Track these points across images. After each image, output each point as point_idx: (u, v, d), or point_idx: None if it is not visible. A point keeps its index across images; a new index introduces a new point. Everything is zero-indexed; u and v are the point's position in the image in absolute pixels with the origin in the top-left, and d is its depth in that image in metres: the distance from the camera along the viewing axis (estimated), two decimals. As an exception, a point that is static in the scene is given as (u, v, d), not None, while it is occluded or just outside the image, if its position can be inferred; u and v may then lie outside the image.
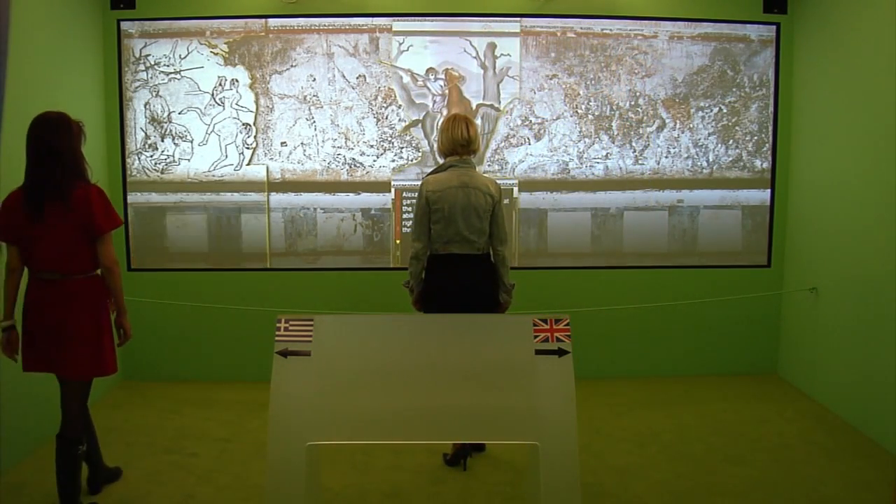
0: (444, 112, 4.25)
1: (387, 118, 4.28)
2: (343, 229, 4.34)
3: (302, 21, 4.20)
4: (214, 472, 3.11)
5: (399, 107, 4.28)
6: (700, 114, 4.35)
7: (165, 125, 4.23)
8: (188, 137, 4.24)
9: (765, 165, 4.41)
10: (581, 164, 4.35)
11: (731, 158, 4.40)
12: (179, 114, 4.22)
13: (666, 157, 4.37)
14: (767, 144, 4.40)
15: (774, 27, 4.32)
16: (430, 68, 4.26)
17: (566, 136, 4.33)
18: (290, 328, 2.31)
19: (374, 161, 4.30)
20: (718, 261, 4.46)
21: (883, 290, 3.44)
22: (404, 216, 4.32)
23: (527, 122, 4.32)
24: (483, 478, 3.07)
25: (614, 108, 4.33)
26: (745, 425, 3.67)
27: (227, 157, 4.27)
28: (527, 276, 4.13)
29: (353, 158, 4.29)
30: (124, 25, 4.18)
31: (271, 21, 4.20)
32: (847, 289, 3.78)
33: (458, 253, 2.99)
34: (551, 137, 4.33)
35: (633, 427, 3.64)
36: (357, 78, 4.24)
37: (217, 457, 3.27)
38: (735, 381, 4.38)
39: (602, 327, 4.39)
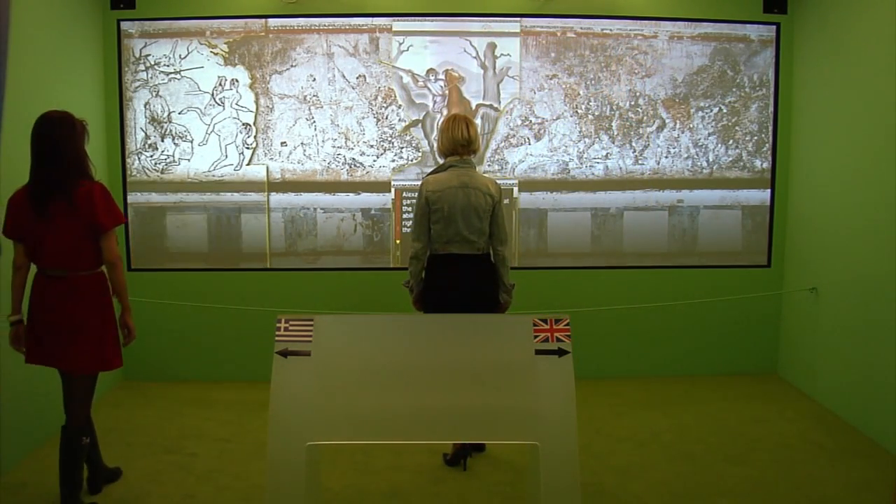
0: (444, 112, 4.25)
1: (387, 118, 4.28)
2: (343, 229, 4.34)
3: (302, 21, 4.20)
4: (214, 472, 3.11)
5: (399, 107, 4.28)
6: (700, 114, 4.35)
7: (165, 125, 4.23)
8: (188, 137, 4.24)
9: (765, 165, 4.41)
10: (581, 164, 4.35)
11: (731, 158, 4.40)
12: (179, 114, 4.23)
13: (666, 157, 4.37)
14: (767, 144, 4.40)
15: (774, 27, 4.32)
16: (431, 69, 4.26)
17: (566, 136, 4.33)
18: (290, 328, 2.31)
19: (374, 161, 4.30)
20: (718, 261, 4.46)
21: (883, 290, 3.44)
22: (404, 216, 4.32)
23: (527, 122, 4.32)
24: (483, 478, 3.07)
25: (614, 108, 4.33)
26: (745, 425, 3.67)
27: (227, 157, 4.27)
28: (527, 276, 4.13)
29: (353, 158, 4.29)
30: (124, 25, 4.18)
31: (271, 21, 4.20)
32: (847, 289, 3.78)
33: (457, 253, 2.99)
34: (551, 137, 4.33)
35: (633, 427, 3.64)
36: (357, 78, 4.25)
37: (217, 457, 3.27)
38: (735, 381, 4.38)
39: (602, 327, 4.39)
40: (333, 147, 4.28)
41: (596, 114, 4.33)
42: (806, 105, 4.23)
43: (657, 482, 3.03)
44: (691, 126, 4.36)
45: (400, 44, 4.24)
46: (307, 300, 4.31)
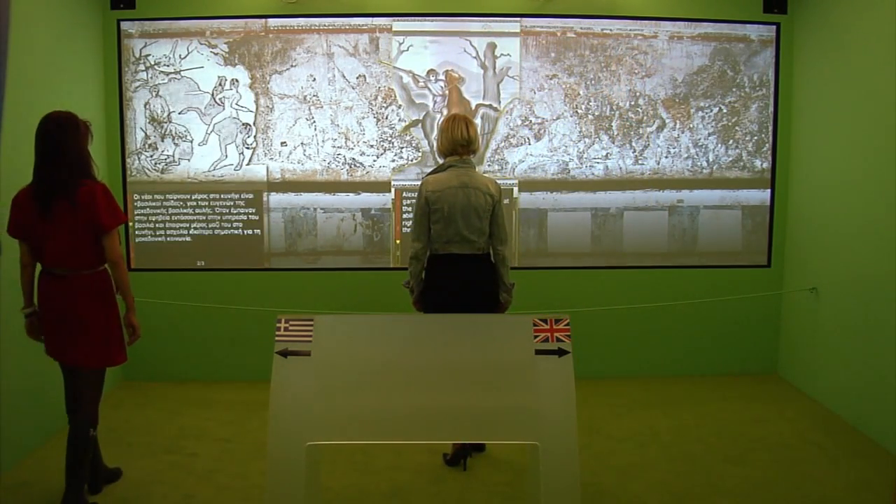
0: (445, 112, 4.25)
1: (387, 118, 4.28)
2: (343, 229, 4.34)
3: (302, 21, 4.20)
4: (214, 472, 3.11)
5: (399, 107, 4.28)
6: (700, 114, 4.35)
7: (165, 125, 4.23)
8: (188, 137, 4.24)
9: (765, 165, 4.41)
10: (581, 164, 4.35)
11: (731, 158, 4.40)
12: (179, 114, 4.23)
13: (666, 157, 4.37)
14: (767, 144, 4.40)
15: (774, 27, 4.32)
16: (431, 69, 4.26)
17: (566, 136, 4.33)
18: (290, 328, 2.31)
19: (374, 161, 4.30)
20: (718, 261, 4.46)
21: (883, 290, 3.44)
22: (404, 216, 4.32)
23: (527, 122, 4.32)
24: (483, 478, 3.07)
25: (614, 108, 4.33)
26: (745, 425, 3.67)
27: (227, 157, 4.27)
28: (527, 276, 4.13)
29: (353, 158, 4.29)
30: (124, 25, 4.18)
31: (271, 21, 4.20)
32: (847, 289, 3.78)
33: (457, 253, 2.99)
34: (551, 137, 4.33)
35: (633, 427, 3.64)
36: (357, 78, 4.25)
37: (217, 457, 3.27)
38: (735, 381, 4.38)
39: (602, 327, 4.39)
40: (333, 147, 4.28)
41: (596, 114, 4.33)
42: (806, 105, 4.23)
43: (657, 482, 3.03)
44: (691, 126, 4.36)
45: (400, 44, 4.24)
46: (307, 300, 4.31)
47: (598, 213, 4.39)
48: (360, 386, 2.29)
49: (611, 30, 4.28)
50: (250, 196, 4.30)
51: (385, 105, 4.27)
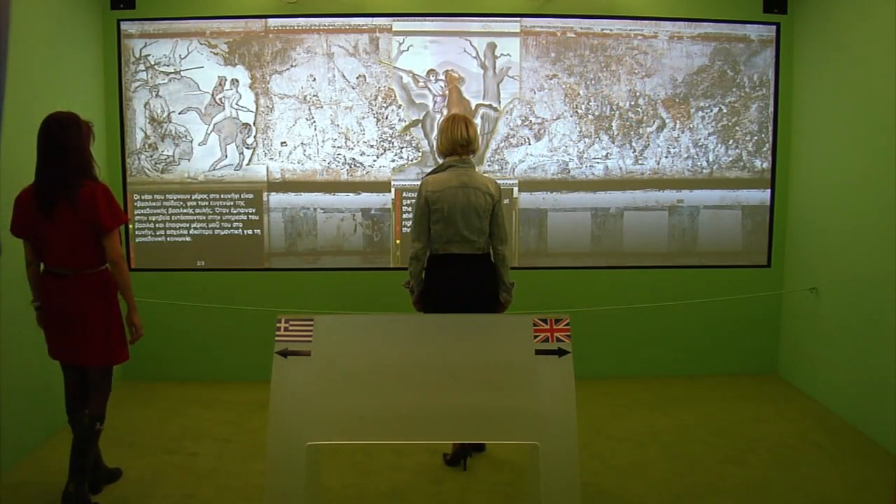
0: (444, 112, 4.25)
1: (387, 118, 4.28)
2: (343, 229, 4.34)
3: (302, 21, 4.20)
4: (214, 472, 3.11)
5: (399, 107, 4.28)
6: (700, 114, 4.35)
7: (165, 125, 4.23)
8: (188, 137, 4.24)
9: (765, 165, 4.41)
10: (581, 164, 4.35)
11: (731, 158, 4.40)
12: (179, 114, 4.22)
13: (666, 157, 4.37)
14: (767, 144, 4.40)
15: (774, 27, 4.32)
16: (431, 69, 4.26)
17: (566, 136, 4.33)
18: (290, 328, 2.31)
19: (374, 161, 4.30)
20: (718, 261, 4.46)
21: (883, 290, 3.44)
22: (404, 216, 4.32)
23: (527, 122, 4.32)
24: (483, 478, 3.07)
25: (614, 108, 4.33)
26: (745, 425, 3.67)
27: (227, 156, 4.27)
28: (527, 276, 4.13)
29: (353, 158, 4.30)
30: (124, 25, 4.18)
31: (271, 21, 4.20)
32: (847, 289, 3.78)
33: (457, 253, 2.99)
34: (551, 137, 4.33)
35: (633, 427, 3.64)
36: (357, 78, 4.25)
37: (217, 457, 3.27)
38: (735, 381, 4.38)
39: (602, 327, 4.39)
40: (333, 147, 4.28)
41: (596, 114, 4.33)
42: (806, 105, 4.23)
43: (657, 482, 3.03)
44: (691, 126, 4.36)
45: (400, 44, 4.24)
46: (307, 300, 4.31)
47: (598, 213, 4.39)
48: (360, 386, 2.29)
49: (611, 30, 4.28)
50: (250, 196, 4.30)
51: (385, 105, 4.27)
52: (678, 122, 4.35)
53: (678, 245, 4.43)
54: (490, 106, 4.30)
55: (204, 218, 4.30)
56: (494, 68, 4.28)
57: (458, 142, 3.01)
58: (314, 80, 4.23)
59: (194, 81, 4.22)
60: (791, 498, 2.89)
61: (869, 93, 3.59)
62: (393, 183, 4.32)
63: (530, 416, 2.24)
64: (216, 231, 4.31)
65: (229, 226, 4.31)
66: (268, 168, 4.28)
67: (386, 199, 4.33)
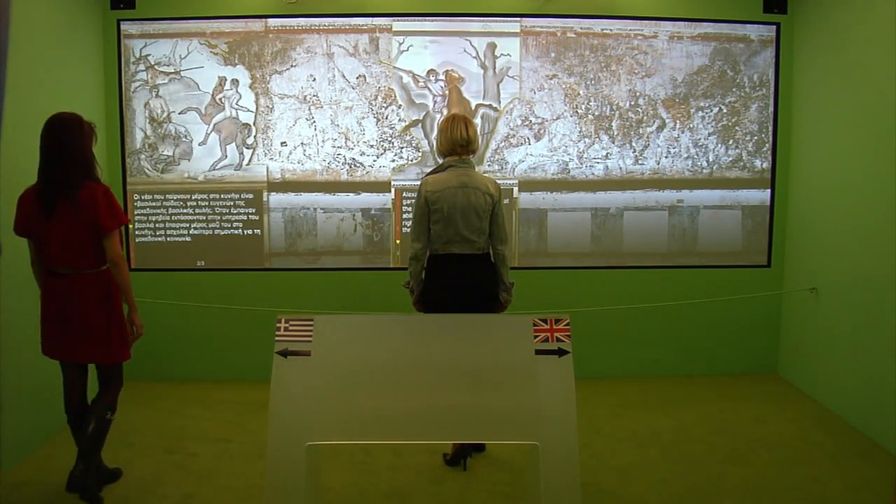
0: (444, 112, 4.25)
1: (387, 118, 4.28)
2: (343, 229, 4.34)
3: (302, 21, 4.20)
4: (214, 472, 3.11)
5: (399, 107, 4.28)
6: (700, 114, 4.35)
7: (165, 125, 4.23)
8: (188, 137, 4.24)
9: (765, 165, 4.41)
10: (581, 164, 4.35)
11: (731, 158, 4.40)
12: (179, 114, 4.22)
13: (666, 157, 4.37)
14: (767, 144, 4.40)
15: (774, 27, 4.32)
16: (431, 69, 4.26)
17: (566, 136, 4.33)
18: (290, 328, 2.31)
19: (374, 161, 4.30)
20: (718, 261, 4.46)
21: (883, 290, 3.44)
22: (404, 216, 4.32)
23: (527, 122, 4.32)
24: (483, 478, 3.07)
25: (614, 108, 4.33)
26: (745, 425, 3.67)
27: (227, 156, 4.27)
28: (527, 276, 4.13)
29: (353, 158, 4.30)
30: (124, 25, 4.18)
31: (271, 21, 4.20)
32: (847, 289, 3.78)
33: (457, 253, 2.99)
34: (551, 137, 4.33)
35: (633, 427, 3.64)
36: (357, 78, 4.25)
37: (217, 457, 3.27)
38: (735, 381, 4.38)
39: (602, 327, 4.39)
40: (333, 147, 4.28)
41: (596, 114, 4.33)
42: (806, 105, 4.23)
43: (657, 482, 3.03)
44: (691, 126, 4.36)
45: (400, 44, 4.24)
46: (307, 300, 4.31)
47: (598, 213, 4.39)
48: (360, 386, 2.29)
49: (611, 30, 4.28)
50: (250, 196, 4.30)
51: (385, 105, 4.27)
52: (678, 122, 4.35)
53: (678, 245, 4.44)
54: (490, 106, 4.30)
55: (204, 218, 4.30)
56: (494, 68, 4.28)
57: (458, 142, 3.01)
58: (314, 80, 4.23)
59: (194, 81, 4.22)
60: (791, 498, 2.89)
61: (869, 93, 3.59)
62: (393, 183, 4.32)
63: (530, 416, 2.24)
64: (216, 231, 4.31)
65: (229, 226, 4.31)
66: (268, 168, 4.28)
67: (386, 199, 4.33)
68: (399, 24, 4.23)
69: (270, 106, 4.24)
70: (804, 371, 4.22)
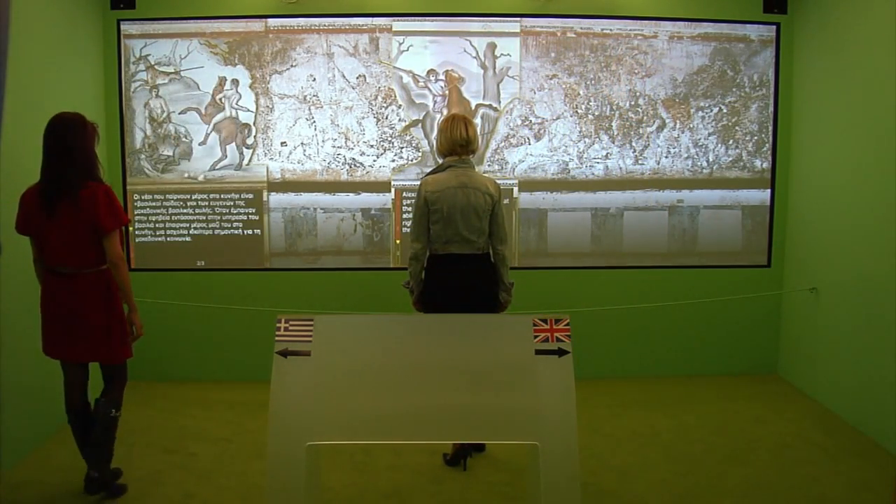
0: (444, 112, 4.25)
1: (387, 118, 4.28)
2: (343, 229, 4.34)
3: (302, 21, 4.20)
4: (214, 472, 3.11)
5: (399, 107, 4.28)
6: (700, 114, 4.35)
7: (165, 125, 4.23)
8: (188, 137, 4.24)
9: (765, 165, 4.41)
10: (581, 164, 4.35)
11: (731, 158, 4.40)
12: (179, 114, 4.23)
13: (666, 157, 4.37)
14: (767, 144, 4.40)
15: (774, 27, 4.32)
16: (431, 69, 4.26)
17: (566, 136, 4.33)
18: (290, 328, 2.31)
19: (374, 161, 4.30)
20: (718, 261, 4.46)
21: (883, 290, 3.44)
22: (404, 216, 4.32)
23: (527, 122, 4.32)
24: (483, 478, 3.07)
25: (614, 108, 4.33)
26: (745, 425, 3.67)
27: (227, 156, 4.27)
28: (527, 276, 4.13)
29: (353, 158, 4.30)
30: (124, 25, 4.18)
31: (271, 21, 4.20)
32: (847, 289, 3.78)
33: (457, 253, 2.99)
34: (551, 137, 4.33)
35: (633, 427, 3.64)
36: (357, 78, 4.25)
37: (217, 457, 3.27)
38: (735, 381, 4.38)
39: (602, 327, 4.39)
40: (333, 147, 4.28)
41: (596, 114, 4.33)
42: (806, 105, 4.23)
43: (657, 482, 3.03)
44: (691, 126, 4.36)
45: (400, 44, 4.24)
46: (307, 300, 4.31)
47: (598, 213, 4.39)
48: (360, 386, 2.29)
49: (611, 30, 4.28)
50: (250, 196, 4.30)
51: (385, 105, 4.27)
52: (678, 122, 4.35)
53: (678, 245, 4.44)
54: (490, 106, 4.30)
55: (204, 218, 4.30)
56: (494, 68, 4.28)
57: (458, 142, 3.01)
58: (314, 80, 4.23)
59: (194, 81, 4.22)
60: (791, 498, 2.89)
61: (869, 93, 3.59)
62: (393, 183, 4.32)
63: (530, 416, 2.24)
64: (216, 231, 4.31)
65: (229, 226, 4.31)
66: (268, 168, 4.28)
67: (386, 199, 4.33)
68: (399, 24, 4.23)
69: (270, 106, 4.24)
70: (804, 371, 4.22)
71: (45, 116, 2.67)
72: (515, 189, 4.35)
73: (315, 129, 4.27)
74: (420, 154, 4.31)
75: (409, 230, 3.67)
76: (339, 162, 4.29)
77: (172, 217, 4.29)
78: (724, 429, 3.62)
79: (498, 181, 3.22)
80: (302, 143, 4.27)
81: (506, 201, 4.19)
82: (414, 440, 2.88)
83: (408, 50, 4.24)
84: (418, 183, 3.10)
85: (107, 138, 4.20)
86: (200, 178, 4.27)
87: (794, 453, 3.32)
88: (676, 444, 3.43)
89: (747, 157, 4.40)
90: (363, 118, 4.27)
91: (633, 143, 4.35)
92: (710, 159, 4.39)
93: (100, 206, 2.62)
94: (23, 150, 2.94)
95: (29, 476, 3.03)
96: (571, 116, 4.32)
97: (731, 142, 4.38)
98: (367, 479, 3.05)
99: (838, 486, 2.98)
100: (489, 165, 4.33)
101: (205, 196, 4.28)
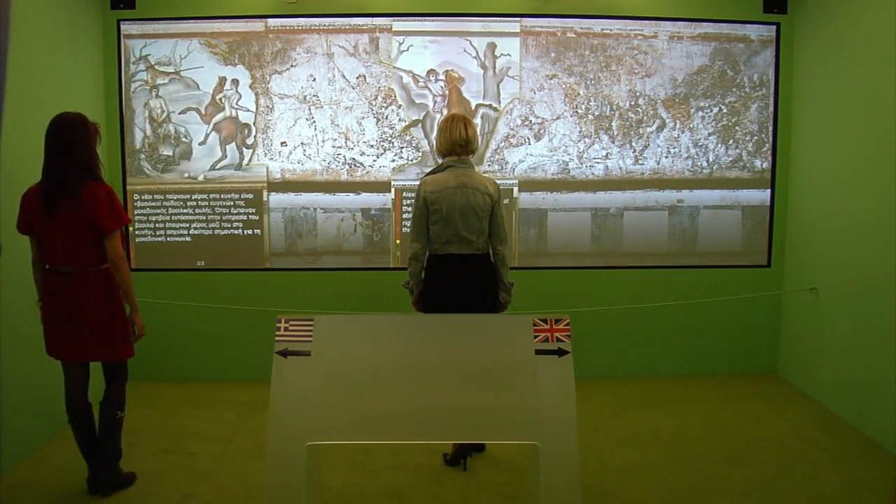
0: (444, 112, 4.25)
1: (387, 118, 4.28)
2: (343, 229, 4.34)
3: (302, 21, 4.20)
4: (214, 472, 3.11)
5: (399, 107, 4.28)
6: (700, 114, 4.35)
7: (165, 125, 4.23)
8: (188, 137, 4.24)
9: (765, 165, 4.41)
10: (581, 164, 4.35)
11: (731, 158, 4.40)
12: (179, 114, 4.23)
13: (666, 157, 4.37)
14: (767, 144, 4.40)
15: (774, 27, 4.32)
16: (431, 69, 4.26)
17: (566, 136, 4.33)
18: (290, 328, 2.31)
19: (374, 161, 4.30)
20: (718, 261, 4.46)
21: (883, 290, 3.44)
22: (404, 216, 4.32)
23: (527, 122, 4.32)
24: (483, 478, 3.07)
25: (614, 108, 4.33)
26: (745, 425, 3.67)
27: (226, 156, 4.27)
28: (527, 276, 4.13)
29: (353, 158, 4.30)
30: (124, 25, 4.18)
31: (271, 21, 4.20)
32: (847, 289, 3.78)
33: (457, 253, 2.99)
34: (551, 137, 4.33)
35: (633, 427, 3.64)
36: (357, 78, 4.25)
37: (217, 457, 3.27)
38: (735, 381, 4.38)
39: (602, 327, 4.39)
40: (333, 147, 4.28)
41: (596, 114, 4.33)
42: (806, 105, 4.23)
43: (657, 482, 3.03)
44: (691, 126, 4.36)
45: (400, 44, 4.24)
46: (307, 300, 4.31)
47: (598, 213, 4.39)
48: (360, 386, 2.28)
49: (611, 30, 4.28)
50: (250, 196, 4.30)
51: (385, 105, 4.27)
52: (678, 122, 4.35)
53: (678, 245, 4.44)
54: (490, 106, 4.30)
55: (204, 218, 4.30)
56: (494, 68, 4.28)
57: (457, 142, 3.01)
58: (314, 80, 4.23)
59: (194, 81, 4.22)
60: (791, 498, 2.89)
61: (869, 93, 3.59)
62: (393, 183, 4.32)
63: (530, 416, 2.24)
64: (216, 231, 4.31)
65: (229, 226, 4.31)
66: (268, 168, 4.28)
67: (386, 199, 4.33)
68: (399, 24, 4.23)
69: (270, 106, 4.24)
70: (804, 371, 4.22)
71: (45, 116, 2.67)
72: (515, 189, 4.35)
73: (315, 129, 4.27)
74: (420, 154, 4.31)
75: (408, 230, 3.67)
76: (339, 162, 4.29)
77: (172, 217, 4.29)
78: (724, 429, 3.62)
79: (498, 181, 3.22)
80: (302, 143, 4.27)
81: (506, 201, 4.19)
82: (414, 440, 2.88)
83: (408, 50, 4.24)
84: (418, 183, 3.10)
85: (107, 138, 4.20)
86: (200, 178, 4.27)
87: (794, 453, 3.32)
88: (676, 444, 3.43)
89: (747, 157, 4.40)
90: (363, 118, 4.27)
91: (633, 143, 4.35)
92: (710, 159, 4.39)
93: (101, 205, 2.62)
94: (23, 150, 2.94)
95: (29, 476, 3.03)
96: (571, 116, 4.32)
97: (731, 142, 4.38)
98: (367, 479, 3.05)
99: (838, 486, 2.98)
100: (489, 165, 4.33)
101: (205, 196, 4.28)
